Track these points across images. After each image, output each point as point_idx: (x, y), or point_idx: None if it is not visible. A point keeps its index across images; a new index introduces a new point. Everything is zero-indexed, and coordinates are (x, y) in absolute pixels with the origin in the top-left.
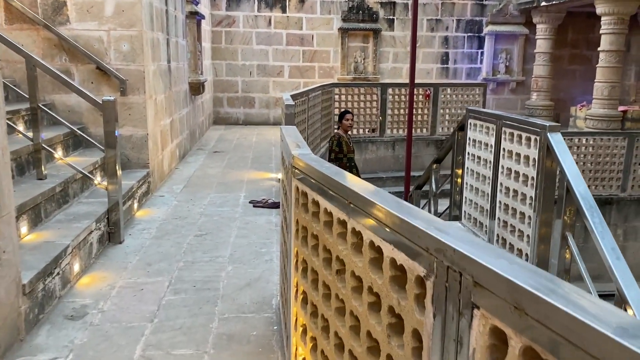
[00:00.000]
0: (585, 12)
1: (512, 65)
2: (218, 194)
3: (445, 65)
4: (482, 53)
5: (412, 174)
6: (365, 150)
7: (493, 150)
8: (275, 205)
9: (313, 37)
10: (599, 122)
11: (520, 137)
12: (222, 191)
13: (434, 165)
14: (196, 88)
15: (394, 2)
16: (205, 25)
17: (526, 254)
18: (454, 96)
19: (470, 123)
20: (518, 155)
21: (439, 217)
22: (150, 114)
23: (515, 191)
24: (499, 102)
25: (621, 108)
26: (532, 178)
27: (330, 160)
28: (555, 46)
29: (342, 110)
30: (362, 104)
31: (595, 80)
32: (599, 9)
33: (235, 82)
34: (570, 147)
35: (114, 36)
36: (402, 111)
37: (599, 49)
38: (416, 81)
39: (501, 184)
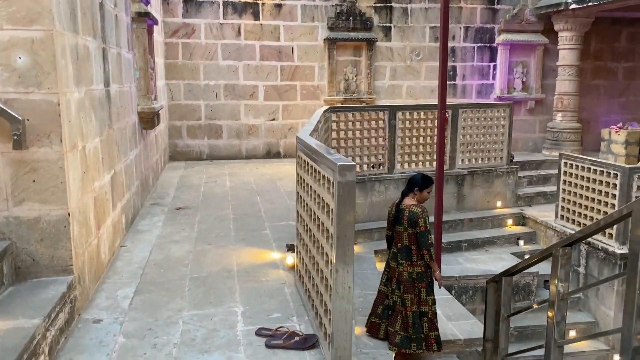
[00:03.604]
0: (610, 18)
1: (529, 80)
2: (196, 312)
3: (453, 82)
4: (494, 67)
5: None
6: (371, 191)
7: None
8: (307, 344)
9: (293, 49)
10: None
11: None
12: (201, 302)
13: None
14: (149, 119)
15: (391, 7)
16: (157, 36)
17: None
18: (475, 120)
19: None
20: None
21: None
22: (73, 176)
23: None
24: (515, 125)
25: None
26: None
27: (426, 247)
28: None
29: (416, 173)
30: (365, 133)
31: None
32: None
33: (197, 106)
34: None
35: None
36: (414, 140)
37: None
38: (421, 101)
39: None
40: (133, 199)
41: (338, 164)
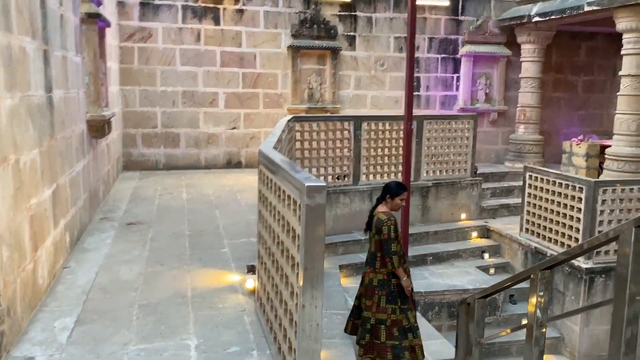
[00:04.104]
0: (570, 32)
1: (492, 92)
2: (144, 346)
3: (417, 93)
4: (458, 78)
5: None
6: (335, 203)
7: None
8: None
9: (256, 56)
10: (626, 164)
11: None
12: (150, 334)
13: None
14: (99, 128)
15: (355, 16)
16: (112, 39)
17: None
18: (440, 131)
19: None
20: None
21: None
22: (2, 193)
23: None
24: (478, 136)
25: (609, 142)
26: None
27: (388, 255)
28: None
29: (390, 181)
30: (329, 143)
31: (617, 112)
32: (622, 25)
33: (153, 114)
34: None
35: None
36: (380, 151)
37: (620, 73)
38: (385, 112)
39: None
40: (80, 214)
41: (306, 184)
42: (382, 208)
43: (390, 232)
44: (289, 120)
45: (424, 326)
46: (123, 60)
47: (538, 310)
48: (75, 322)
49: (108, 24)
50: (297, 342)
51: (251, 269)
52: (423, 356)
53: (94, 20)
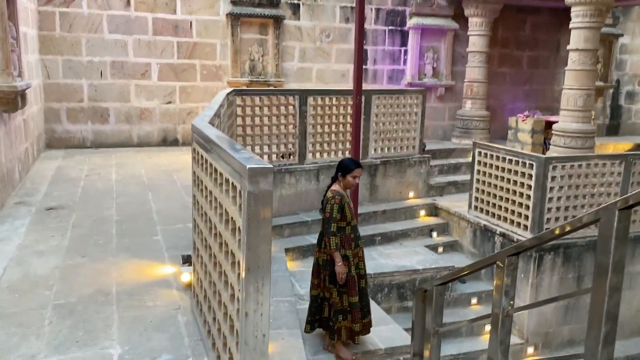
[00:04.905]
0: (516, 6)
1: (440, 66)
2: (56, 358)
3: (364, 66)
4: (405, 51)
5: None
6: (281, 183)
7: None
8: None
9: (192, 24)
10: (573, 140)
11: None
12: (65, 341)
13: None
14: (10, 100)
15: None
16: (28, 2)
17: None
18: (388, 107)
19: None
20: None
21: None
22: None
23: None
24: (425, 112)
25: (553, 118)
26: None
27: (327, 235)
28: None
29: (344, 157)
30: (273, 119)
31: (564, 87)
32: None
33: (78, 86)
34: (561, 177)
35: None
36: (327, 128)
37: (568, 47)
38: (332, 86)
39: None
40: None
41: (248, 166)
42: (334, 187)
43: (333, 211)
44: (228, 94)
45: (375, 311)
46: (42, 27)
47: (504, 299)
48: None
49: None
50: (240, 355)
51: (187, 260)
52: (347, 337)
53: None
